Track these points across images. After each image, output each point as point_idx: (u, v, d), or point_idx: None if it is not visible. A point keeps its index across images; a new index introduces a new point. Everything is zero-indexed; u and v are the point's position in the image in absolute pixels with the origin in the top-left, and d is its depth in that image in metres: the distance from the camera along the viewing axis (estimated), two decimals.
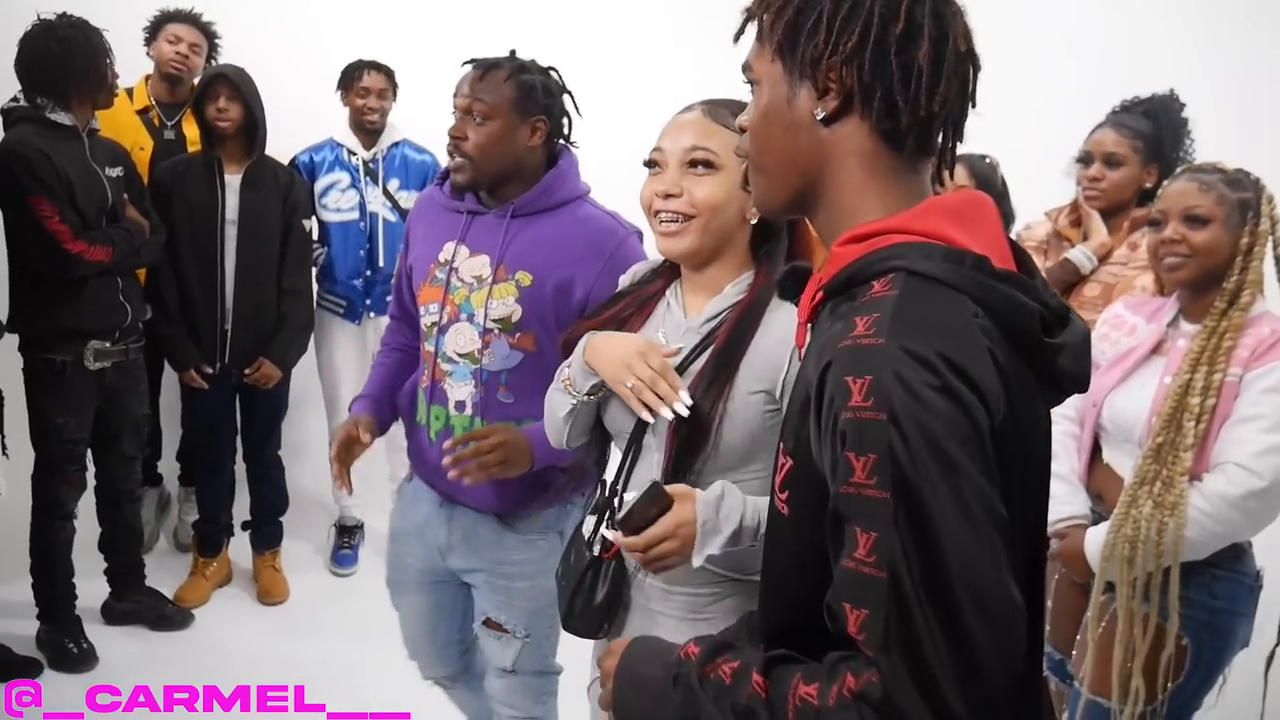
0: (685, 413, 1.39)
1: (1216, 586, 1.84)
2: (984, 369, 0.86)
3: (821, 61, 0.94)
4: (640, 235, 1.91)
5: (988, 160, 2.76)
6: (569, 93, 2.00)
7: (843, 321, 0.90)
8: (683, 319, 1.53)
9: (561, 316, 1.87)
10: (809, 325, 1.02)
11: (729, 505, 1.34)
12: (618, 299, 1.63)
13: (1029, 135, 3.25)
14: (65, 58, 2.75)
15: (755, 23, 1.00)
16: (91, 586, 3.18)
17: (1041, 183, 2.81)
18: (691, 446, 1.43)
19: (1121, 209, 2.53)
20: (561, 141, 2.00)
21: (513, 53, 1.97)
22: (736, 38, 1.02)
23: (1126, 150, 2.48)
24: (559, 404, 1.56)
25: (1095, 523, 1.93)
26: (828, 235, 1.01)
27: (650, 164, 1.50)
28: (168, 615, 3.26)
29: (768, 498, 1.10)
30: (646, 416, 1.41)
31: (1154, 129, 2.49)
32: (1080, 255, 2.50)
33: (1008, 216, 2.75)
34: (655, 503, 1.32)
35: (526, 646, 2.06)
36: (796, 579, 0.98)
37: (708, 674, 0.96)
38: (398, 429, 3.76)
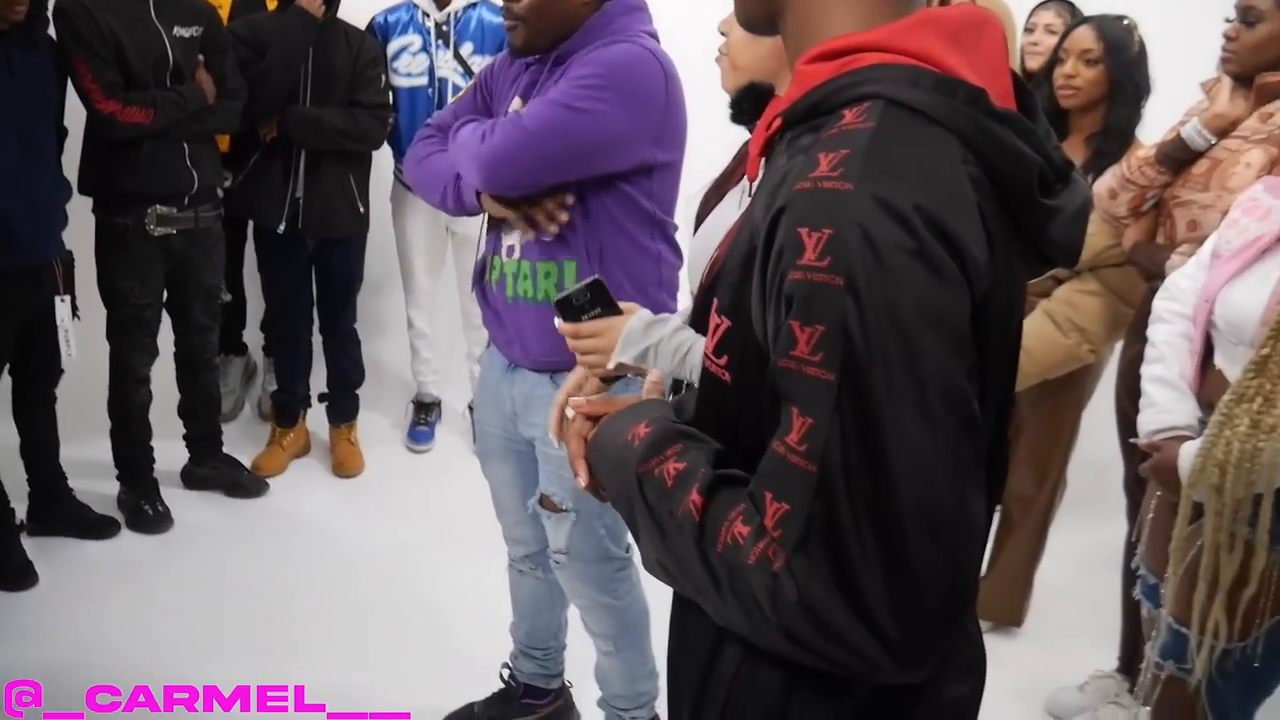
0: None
1: None
2: (971, 230, 0.70)
3: None
4: (664, 72, 1.80)
5: (1125, 22, 2.41)
6: None
7: (803, 156, 0.74)
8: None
9: None
10: (762, 159, 0.85)
11: (658, 330, 1.30)
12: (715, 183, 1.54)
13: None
14: None
15: None
16: (171, 450, 3.25)
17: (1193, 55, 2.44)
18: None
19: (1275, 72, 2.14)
20: None
21: None
22: None
23: (1267, 4, 2.09)
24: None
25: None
26: (795, 51, 0.84)
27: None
28: (243, 483, 3.31)
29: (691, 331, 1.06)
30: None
31: None
32: (1192, 131, 2.16)
33: (1142, 87, 2.40)
34: (598, 300, 1.32)
35: (578, 525, 1.99)
36: (743, 455, 0.82)
37: (650, 469, 0.85)
38: (472, 307, 3.74)
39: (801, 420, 0.70)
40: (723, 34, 1.46)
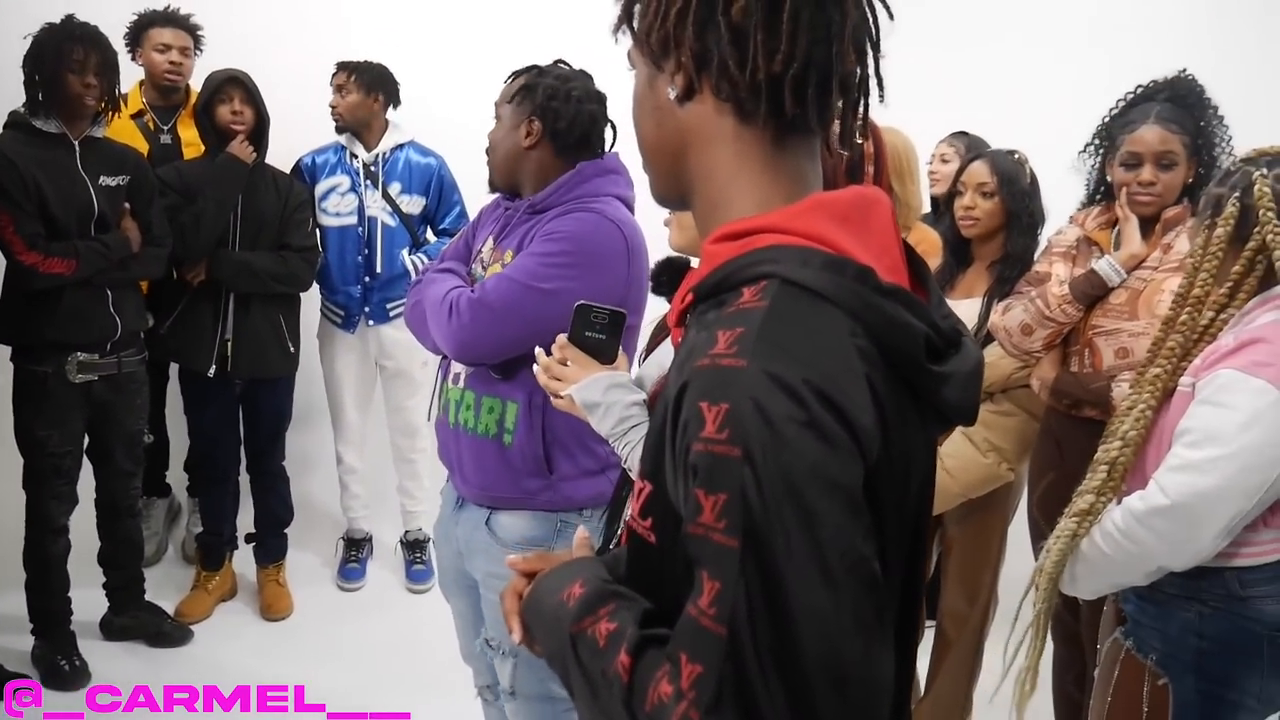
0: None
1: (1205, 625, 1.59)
2: (859, 402, 0.75)
3: (653, 34, 0.86)
4: (626, 242, 1.88)
5: (1015, 156, 2.56)
6: (596, 98, 1.97)
7: (706, 333, 0.78)
8: None
9: None
10: (680, 330, 0.90)
11: (615, 394, 1.42)
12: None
13: (1059, 131, 3.06)
14: (30, 68, 2.72)
15: None
16: (91, 598, 3.13)
17: (1068, 180, 2.60)
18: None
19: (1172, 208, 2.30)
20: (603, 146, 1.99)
21: (556, 62, 2.01)
22: (614, 30, 0.92)
23: (1177, 148, 2.24)
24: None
25: None
26: (703, 230, 0.90)
27: None
28: (166, 631, 3.19)
29: (643, 416, 1.25)
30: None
31: (1193, 121, 2.26)
32: (1107, 268, 2.29)
33: (1037, 216, 2.54)
34: (611, 330, 1.47)
35: (519, 667, 1.98)
36: (669, 614, 0.85)
37: (584, 629, 0.87)
38: (402, 440, 3.72)
39: (710, 584, 0.73)
40: None
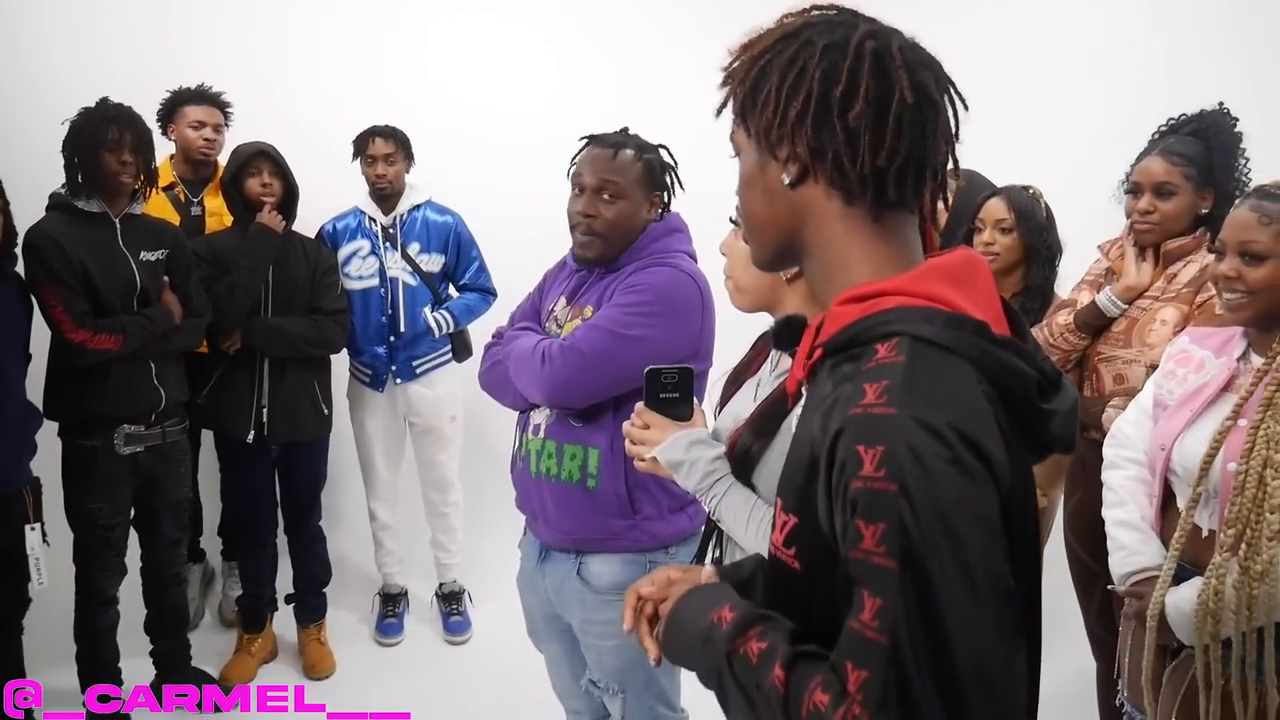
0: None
1: None
2: (993, 440, 0.87)
3: (772, 131, 0.98)
4: (701, 294, 2.02)
5: (1030, 191, 2.68)
6: (674, 167, 2.12)
7: (850, 385, 0.91)
8: (769, 373, 1.61)
9: None
10: (805, 380, 1.03)
11: (698, 450, 1.52)
12: (734, 373, 1.72)
13: (1080, 163, 3.16)
14: (69, 151, 2.81)
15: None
16: (138, 667, 3.15)
17: (1093, 212, 2.69)
18: (743, 478, 1.53)
19: (1178, 238, 2.39)
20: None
21: (625, 130, 2.11)
22: (718, 113, 1.05)
23: (1178, 179, 2.34)
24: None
25: (1172, 576, 1.77)
26: (818, 289, 1.04)
27: (735, 221, 1.60)
28: None
29: (725, 469, 1.43)
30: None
31: (1204, 151, 2.35)
32: (1105, 301, 2.41)
33: (1054, 248, 2.65)
34: (682, 386, 1.57)
35: (628, 701, 2.12)
36: (815, 631, 0.97)
37: (737, 648, 0.99)
38: (434, 494, 3.77)
39: (872, 600, 0.84)
40: (723, 254, 1.65)
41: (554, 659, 2.29)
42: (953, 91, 1.00)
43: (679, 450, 1.53)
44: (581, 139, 2.11)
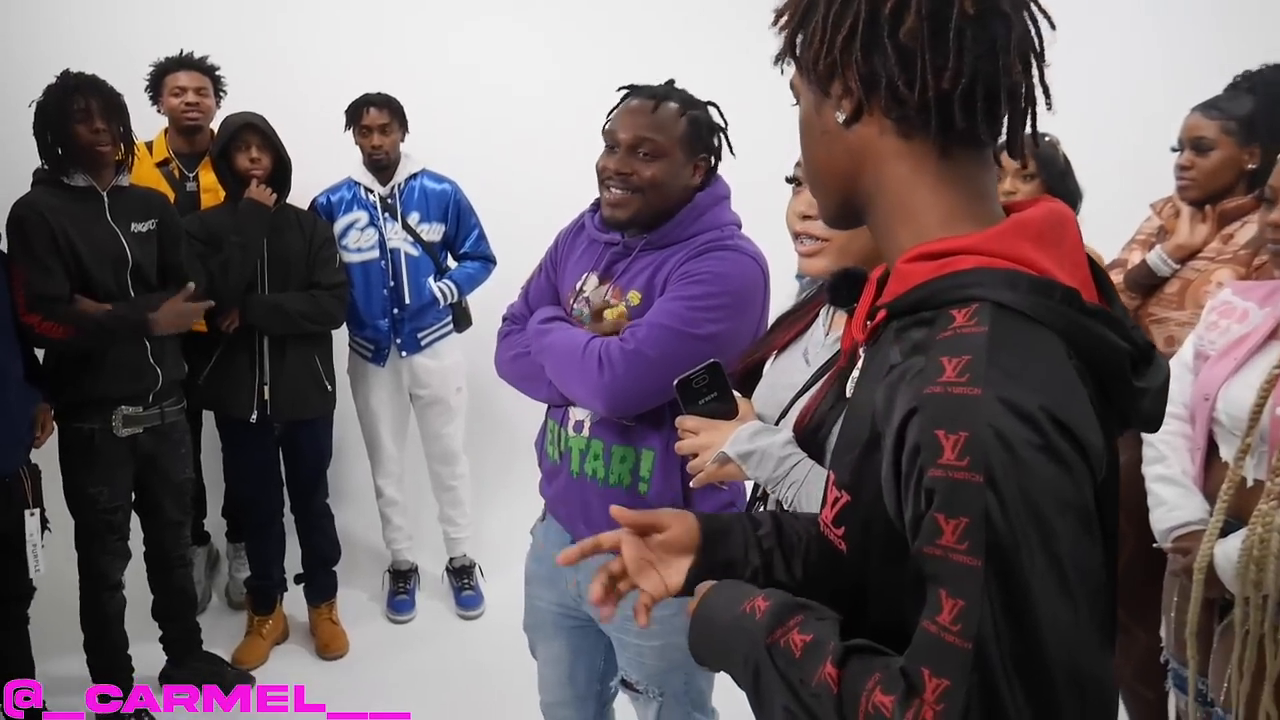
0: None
1: None
2: (1089, 423, 0.78)
3: (820, 61, 0.88)
4: (763, 275, 1.85)
5: (1047, 139, 2.60)
6: (725, 128, 1.92)
7: (922, 356, 0.81)
8: (822, 336, 1.49)
9: None
10: (864, 343, 0.92)
11: (763, 438, 1.40)
12: (782, 320, 1.60)
13: (1129, 116, 3.06)
14: (39, 129, 2.71)
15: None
16: (148, 652, 3.11)
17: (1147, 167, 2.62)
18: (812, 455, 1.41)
19: (1222, 196, 2.33)
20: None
21: (670, 82, 1.90)
22: (776, 60, 0.95)
23: (1216, 133, 2.28)
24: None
25: (1220, 528, 1.72)
26: (885, 243, 0.93)
27: (792, 180, 1.49)
28: (227, 679, 3.17)
29: (801, 453, 1.29)
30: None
31: (1251, 107, 2.27)
32: (1156, 259, 2.34)
33: (1075, 194, 2.59)
34: (716, 384, 1.48)
35: (665, 706, 2.00)
36: (859, 614, 0.90)
37: (777, 640, 0.91)
38: (441, 469, 3.71)
39: (952, 602, 0.76)
40: (810, 217, 1.46)
41: (555, 659, 2.12)
42: (1032, 6, 0.87)
43: (744, 442, 1.42)
44: (620, 89, 1.89)
